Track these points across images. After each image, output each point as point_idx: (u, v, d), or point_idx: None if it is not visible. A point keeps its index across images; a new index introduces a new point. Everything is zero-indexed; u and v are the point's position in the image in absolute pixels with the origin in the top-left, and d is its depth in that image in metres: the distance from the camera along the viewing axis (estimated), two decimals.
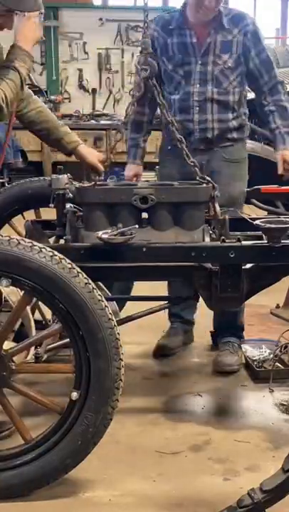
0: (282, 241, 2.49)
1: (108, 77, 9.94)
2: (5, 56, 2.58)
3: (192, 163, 2.79)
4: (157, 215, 2.68)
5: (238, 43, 3.33)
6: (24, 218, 3.18)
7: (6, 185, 3.67)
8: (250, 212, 3.70)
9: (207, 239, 2.68)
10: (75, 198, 2.73)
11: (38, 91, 9.29)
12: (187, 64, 3.36)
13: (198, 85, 3.35)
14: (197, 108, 3.38)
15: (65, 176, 2.78)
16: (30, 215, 3.32)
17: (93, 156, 3.19)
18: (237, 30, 3.32)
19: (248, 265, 2.63)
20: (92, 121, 9.14)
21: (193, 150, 3.15)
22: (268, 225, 2.51)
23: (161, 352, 3.68)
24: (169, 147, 3.40)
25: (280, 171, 3.38)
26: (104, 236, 2.44)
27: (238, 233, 2.72)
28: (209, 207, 2.75)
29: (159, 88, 2.83)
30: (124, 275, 2.72)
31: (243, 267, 2.61)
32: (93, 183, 2.73)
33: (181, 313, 3.74)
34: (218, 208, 2.77)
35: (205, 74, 3.35)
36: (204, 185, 2.75)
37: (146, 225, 2.68)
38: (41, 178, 3.52)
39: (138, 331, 3.69)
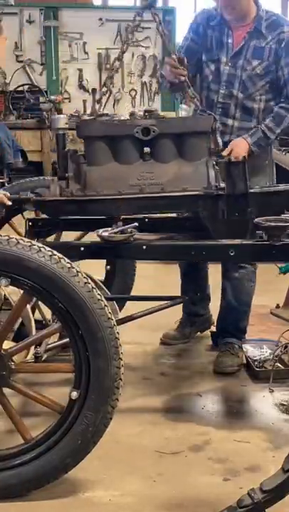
0: (283, 239, 2.49)
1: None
2: None
3: (193, 95, 2.86)
4: (159, 146, 2.65)
5: (270, 51, 3.28)
6: (24, 218, 3.18)
7: (6, 185, 3.68)
8: None
9: (211, 171, 2.67)
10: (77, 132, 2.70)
11: (38, 91, 9.30)
12: (218, 62, 3.35)
13: (224, 87, 3.35)
14: (220, 110, 3.37)
15: (65, 115, 2.77)
16: (30, 215, 3.31)
17: None
18: (272, 37, 3.28)
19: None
20: None
21: None
22: (268, 223, 2.50)
23: (163, 340, 3.80)
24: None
25: (225, 153, 3.18)
26: (105, 234, 2.44)
27: None
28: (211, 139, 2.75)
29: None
30: (123, 208, 2.67)
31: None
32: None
33: (189, 306, 3.78)
34: (219, 140, 2.78)
35: (233, 77, 3.33)
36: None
37: (149, 158, 2.66)
38: (41, 177, 3.53)
39: (138, 331, 3.69)
